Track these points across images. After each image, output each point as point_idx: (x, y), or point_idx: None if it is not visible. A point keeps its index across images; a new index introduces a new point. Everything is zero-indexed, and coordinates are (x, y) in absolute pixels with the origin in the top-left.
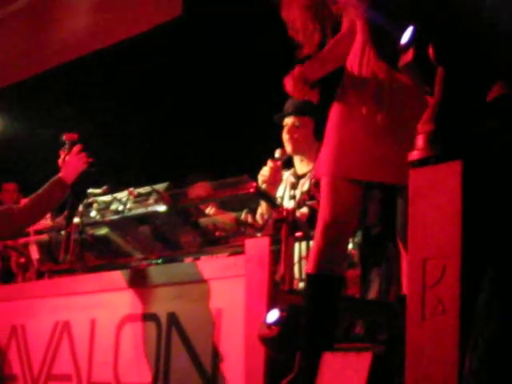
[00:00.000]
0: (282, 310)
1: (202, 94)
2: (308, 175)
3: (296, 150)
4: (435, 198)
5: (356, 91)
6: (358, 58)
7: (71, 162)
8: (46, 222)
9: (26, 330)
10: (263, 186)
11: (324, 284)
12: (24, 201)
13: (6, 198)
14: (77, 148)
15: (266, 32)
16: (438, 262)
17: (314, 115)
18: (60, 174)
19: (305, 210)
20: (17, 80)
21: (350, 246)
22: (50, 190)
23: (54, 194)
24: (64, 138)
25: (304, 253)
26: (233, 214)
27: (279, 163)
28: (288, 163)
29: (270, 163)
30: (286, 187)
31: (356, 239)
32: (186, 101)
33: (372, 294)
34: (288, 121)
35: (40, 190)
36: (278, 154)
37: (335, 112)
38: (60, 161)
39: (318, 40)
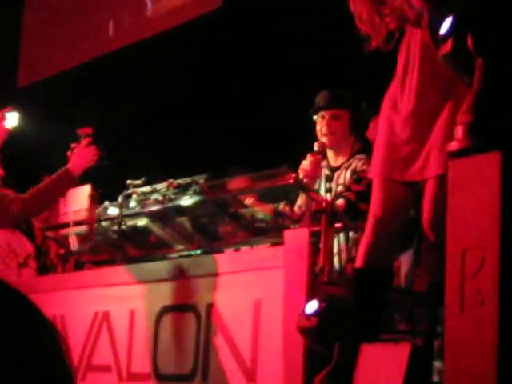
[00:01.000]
0: (320, 301)
1: (241, 87)
2: (343, 167)
3: (333, 143)
4: (474, 189)
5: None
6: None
7: (79, 154)
8: (85, 213)
9: (66, 320)
10: (304, 181)
11: (372, 278)
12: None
13: None
14: (86, 141)
15: (305, 25)
16: (477, 253)
17: (351, 108)
18: (67, 166)
19: (341, 201)
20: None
21: None
22: (56, 181)
23: (60, 185)
24: (78, 131)
25: (343, 244)
26: (271, 205)
27: (319, 157)
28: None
29: (309, 157)
30: (321, 180)
31: None
32: (224, 93)
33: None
34: (325, 114)
35: (47, 181)
36: (316, 147)
37: (383, 111)
38: (69, 153)
39: (385, 33)
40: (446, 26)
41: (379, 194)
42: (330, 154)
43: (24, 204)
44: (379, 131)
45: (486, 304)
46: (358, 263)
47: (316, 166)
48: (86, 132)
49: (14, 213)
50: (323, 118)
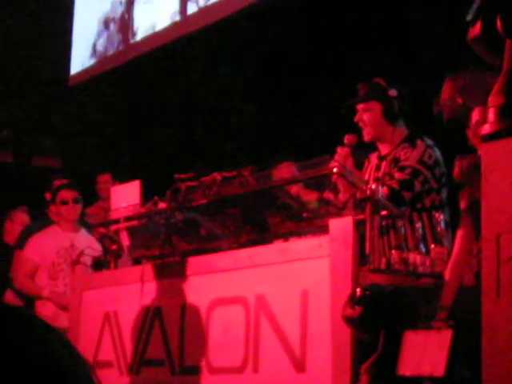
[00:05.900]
0: (364, 290)
1: (279, 76)
2: (388, 157)
3: (370, 135)
4: (508, 172)
5: None
6: None
7: None
8: (136, 207)
9: (119, 316)
10: (348, 169)
11: None
12: None
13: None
14: None
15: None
16: None
17: (381, 99)
18: None
19: (384, 189)
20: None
21: (443, 224)
22: None
23: None
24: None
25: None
26: (316, 193)
27: (347, 149)
28: (370, 147)
29: (338, 150)
30: (371, 169)
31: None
32: (264, 84)
33: None
34: (358, 108)
35: None
36: (345, 140)
37: None
38: None
39: None
40: (474, 9)
41: None
42: (378, 143)
43: None
44: None
45: None
46: None
47: (344, 159)
48: None
49: None
50: (358, 112)
